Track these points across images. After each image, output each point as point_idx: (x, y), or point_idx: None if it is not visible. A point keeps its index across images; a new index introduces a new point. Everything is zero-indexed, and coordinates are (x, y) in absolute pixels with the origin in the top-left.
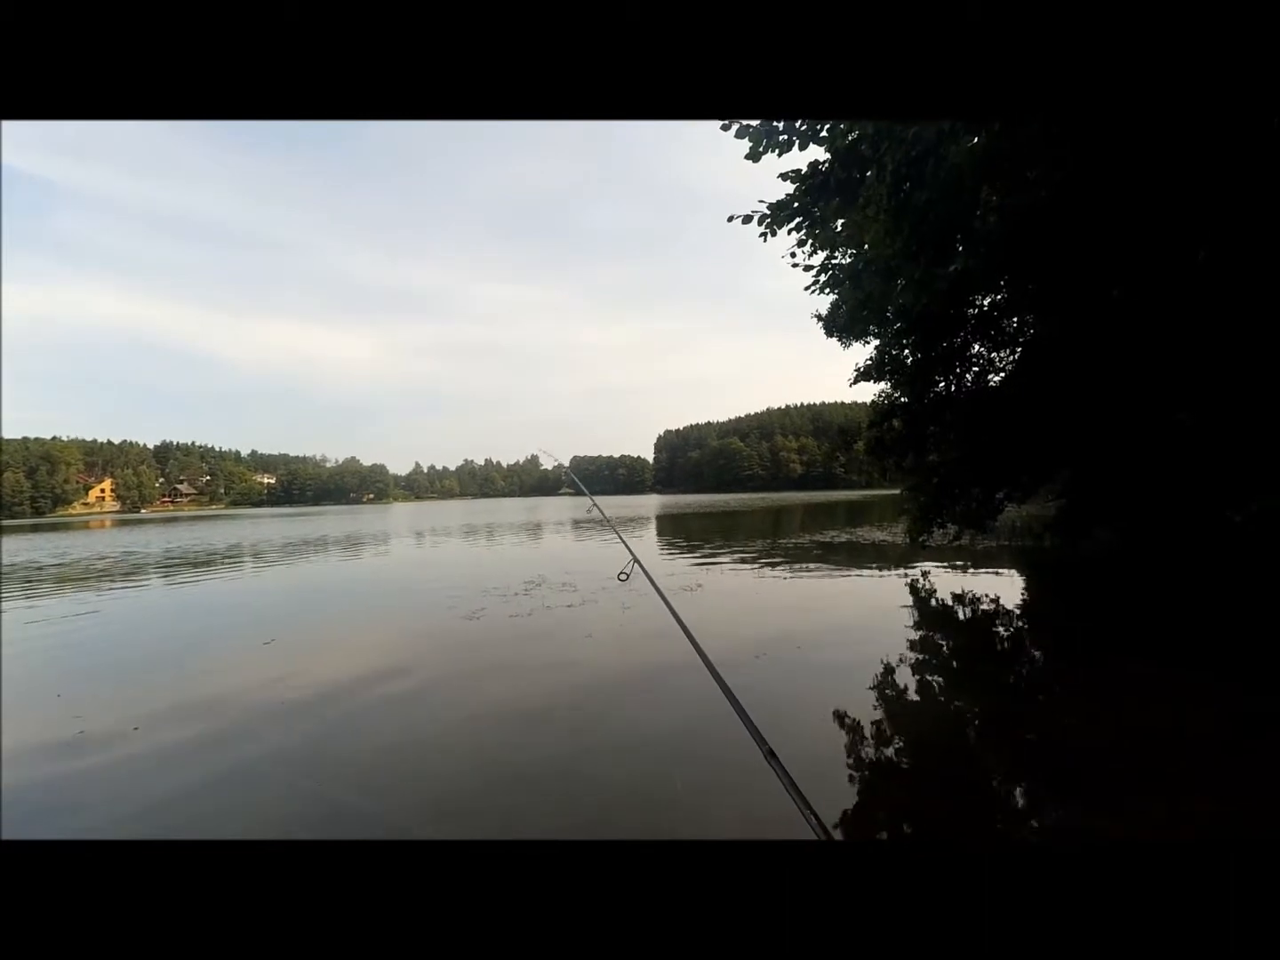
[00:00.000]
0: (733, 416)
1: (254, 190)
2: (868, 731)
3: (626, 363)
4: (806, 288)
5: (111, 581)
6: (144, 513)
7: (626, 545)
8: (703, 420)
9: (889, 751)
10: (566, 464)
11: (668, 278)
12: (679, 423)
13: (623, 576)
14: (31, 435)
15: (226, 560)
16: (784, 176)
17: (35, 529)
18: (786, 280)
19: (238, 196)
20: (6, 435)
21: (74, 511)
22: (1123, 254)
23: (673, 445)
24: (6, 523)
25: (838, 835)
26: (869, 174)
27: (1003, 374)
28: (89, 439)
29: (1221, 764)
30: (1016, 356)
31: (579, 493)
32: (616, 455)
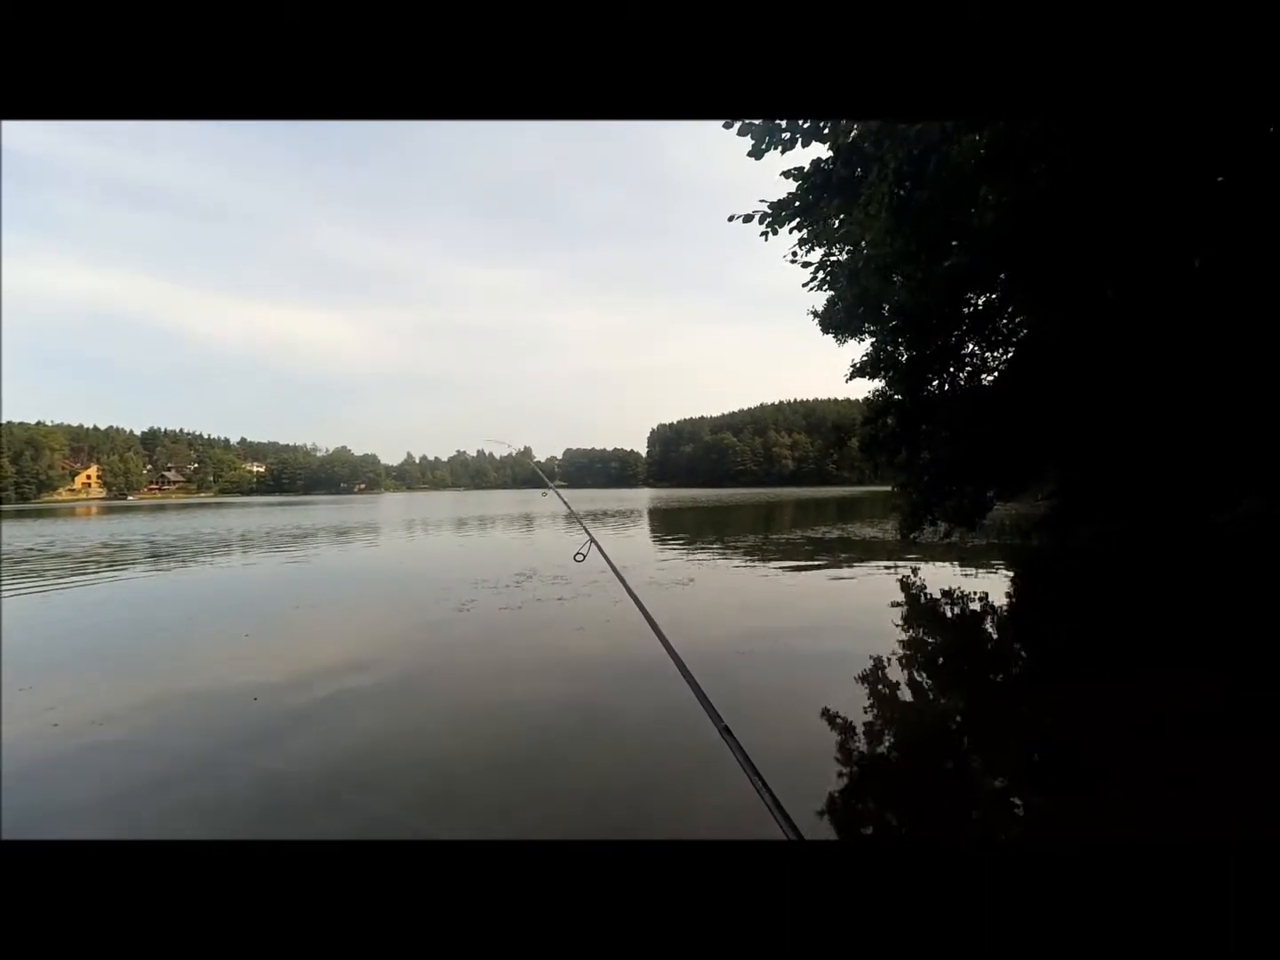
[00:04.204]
0: (726, 411)
1: (231, 163)
2: (856, 727)
3: (620, 352)
4: (805, 284)
5: (100, 568)
6: (131, 500)
7: (585, 528)
8: (696, 414)
9: (876, 747)
10: (559, 456)
11: (661, 267)
12: (672, 416)
13: (579, 557)
14: (16, 420)
15: (217, 549)
16: (786, 175)
17: (20, 515)
18: (782, 275)
19: (213, 169)
20: None
21: (59, 497)
22: (1118, 253)
23: (666, 439)
24: None
25: (821, 828)
26: (871, 172)
27: (996, 373)
28: (74, 424)
29: (1204, 757)
30: (1009, 356)
31: (566, 485)
32: (610, 448)
